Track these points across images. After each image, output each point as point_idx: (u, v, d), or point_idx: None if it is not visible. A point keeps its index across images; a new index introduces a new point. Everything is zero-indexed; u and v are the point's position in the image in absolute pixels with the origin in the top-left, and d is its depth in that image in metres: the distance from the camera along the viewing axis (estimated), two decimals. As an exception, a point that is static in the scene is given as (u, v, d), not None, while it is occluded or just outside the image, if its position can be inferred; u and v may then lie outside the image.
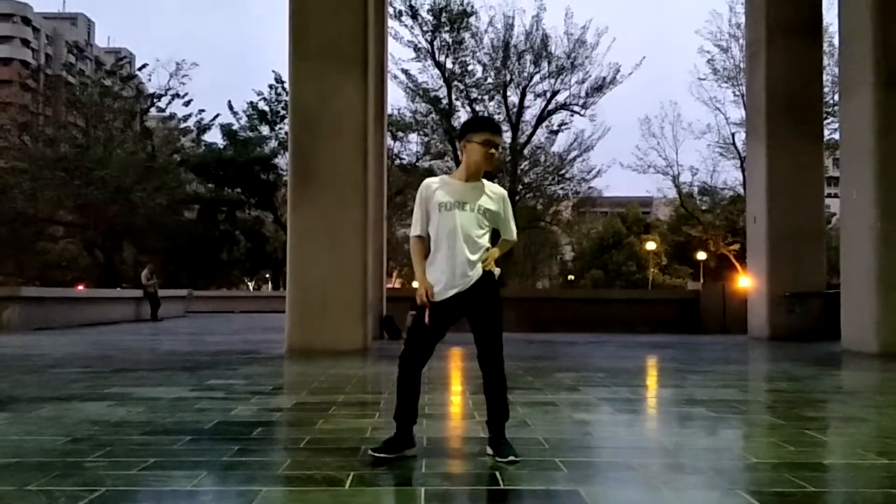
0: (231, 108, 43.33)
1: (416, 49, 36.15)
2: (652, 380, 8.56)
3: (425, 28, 35.97)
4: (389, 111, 26.60)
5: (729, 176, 60.50)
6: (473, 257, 3.92)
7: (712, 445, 4.67)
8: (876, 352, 11.25)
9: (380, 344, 13.15)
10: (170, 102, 44.98)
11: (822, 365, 9.89)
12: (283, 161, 40.72)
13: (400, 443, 3.95)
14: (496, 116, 38.12)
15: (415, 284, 4.16)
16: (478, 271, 3.93)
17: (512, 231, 4.16)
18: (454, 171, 4.19)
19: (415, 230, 4.07)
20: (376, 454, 3.88)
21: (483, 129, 4.05)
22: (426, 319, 3.92)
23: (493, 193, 4.05)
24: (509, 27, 37.02)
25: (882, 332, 11.38)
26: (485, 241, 3.99)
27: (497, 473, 3.65)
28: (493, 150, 3.98)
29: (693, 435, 5.02)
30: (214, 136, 45.51)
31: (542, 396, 6.48)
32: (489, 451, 3.98)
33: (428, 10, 35.65)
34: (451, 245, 3.91)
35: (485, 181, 4.09)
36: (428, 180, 4.14)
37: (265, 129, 43.00)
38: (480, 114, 37.47)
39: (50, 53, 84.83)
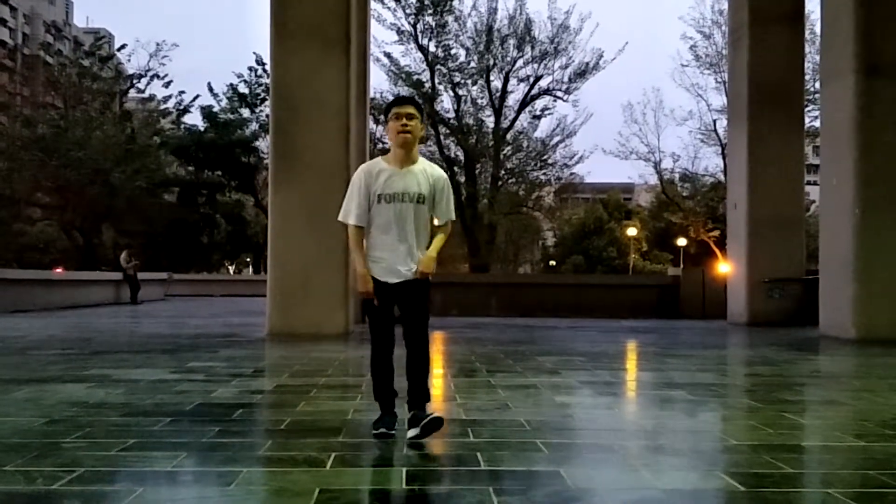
0: (211, 89, 43.08)
1: (399, 32, 35.92)
2: (632, 363, 8.61)
3: (408, 11, 35.72)
4: (372, 94, 26.43)
5: (710, 163, 60.62)
6: (412, 251, 3.99)
7: (692, 428, 4.70)
8: (853, 337, 11.36)
9: (361, 328, 13.11)
10: (149, 83, 44.53)
11: (800, 350, 9.99)
12: (263, 144, 40.48)
13: (391, 419, 4.07)
14: (479, 101, 38.04)
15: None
16: (414, 265, 4.01)
17: (444, 213, 4.13)
18: (387, 156, 4.13)
19: (352, 218, 4.03)
20: (376, 432, 4.02)
21: (390, 106, 4.09)
22: (375, 302, 4.01)
23: (429, 175, 4.08)
24: (493, 11, 36.87)
25: (859, 318, 11.49)
26: (425, 229, 4.05)
27: (478, 454, 3.65)
28: (405, 122, 3.97)
29: (673, 417, 5.05)
30: (195, 119, 45.15)
31: (524, 379, 6.50)
32: (410, 433, 3.92)
33: (411, -7, 35.41)
34: (391, 236, 3.97)
35: (423, 161, 4.14)
36: (368, 166, 4.12)
37: (246, 112, 42.68)
38: (463, 98, 37.42)
39: (27, 33, 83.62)
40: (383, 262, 4.00)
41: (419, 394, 4.02)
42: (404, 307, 4.04)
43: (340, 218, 4.09)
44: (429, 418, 3.87)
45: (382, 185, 4.00)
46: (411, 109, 4.03)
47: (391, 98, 36.99)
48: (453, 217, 4.21)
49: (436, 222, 4.16)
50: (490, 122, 38.30)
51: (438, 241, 4.12)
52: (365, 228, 4.04)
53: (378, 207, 4.00)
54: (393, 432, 3.99)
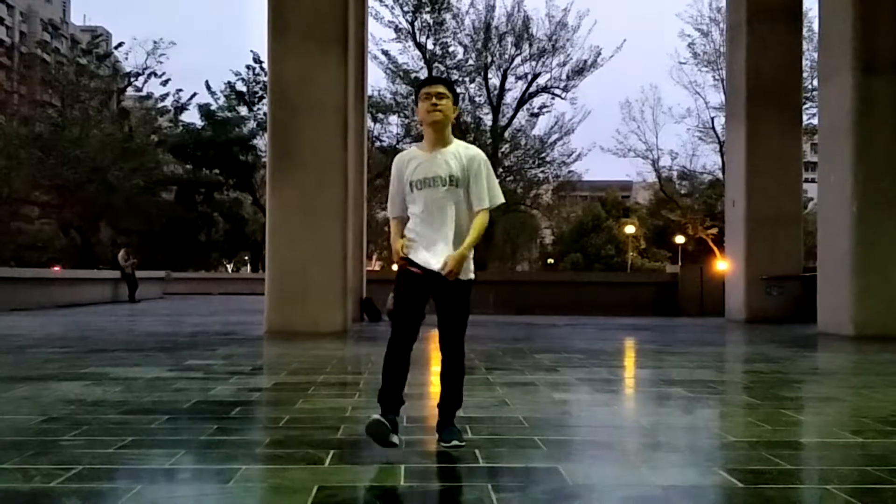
0: (209, 88, 42.99)
1: (397, 30, 36.01)
2: (630, 361, 8.61)
3: (406, 8, 35.80)
4: (369, 92, 26.44)
5: (708, 160, 60.85)
6: (448, 243, 3.70)
7: (690, 424, 4.70)
8: (851, 334, 11.37)
9: (359, 326, 13.13)
10: (146, 81, 44.57)
11: (799, 347, 10.00)
12: (261, 142, 40.51)
13: (386, 423, 3.70)
14: (477, 99, 38.08)
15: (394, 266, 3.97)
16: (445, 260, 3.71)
17: (482, 198, 3.74)
18: (421, 142, 3.94)
19: (392, 212, 3.95)
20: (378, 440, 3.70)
21: (420, 86, 3.92)
22: (411, 269, 3.72)
23: (461, 156, 3.78)
24: (490, 8, 36.99)
25: (857, 315, 11.50)
26: (465, 216, 3.75)
27: (476, 451, 3.65)
28: (434, 101, 3.73)
29: (670, 414, 5.05)
30: (192, 117, 45.10)
31: (522, 377, 6.50)
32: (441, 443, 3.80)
33: (409, -10, 35.44)
34: (426, 225, 3.76)
35: (458, 143, 3.85)
36: (401, 155, 3.98)
37: (243, 110, 42.70)
38: (461, 96, 37.41)
39: (24, 31, 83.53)
40: (420, 243, 3.75)
41: (447, 403, 3.84)
42: (440, 309, 3.79)
43: (388, 213, 4.01)
44: (451, 444, 3.69)
45: (413, 172, 3.81)
46: (441, 88, 3.78)
47: (388, 95, 36.81)
48: (495, 202, 3.78)
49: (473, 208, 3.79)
50: (488, 119, 38.39)
51: (473, 232, 3.74)
52: (408, 219, 3.87)
53: (412, 196, 3.81)
54: (392, 443, 3.65)
